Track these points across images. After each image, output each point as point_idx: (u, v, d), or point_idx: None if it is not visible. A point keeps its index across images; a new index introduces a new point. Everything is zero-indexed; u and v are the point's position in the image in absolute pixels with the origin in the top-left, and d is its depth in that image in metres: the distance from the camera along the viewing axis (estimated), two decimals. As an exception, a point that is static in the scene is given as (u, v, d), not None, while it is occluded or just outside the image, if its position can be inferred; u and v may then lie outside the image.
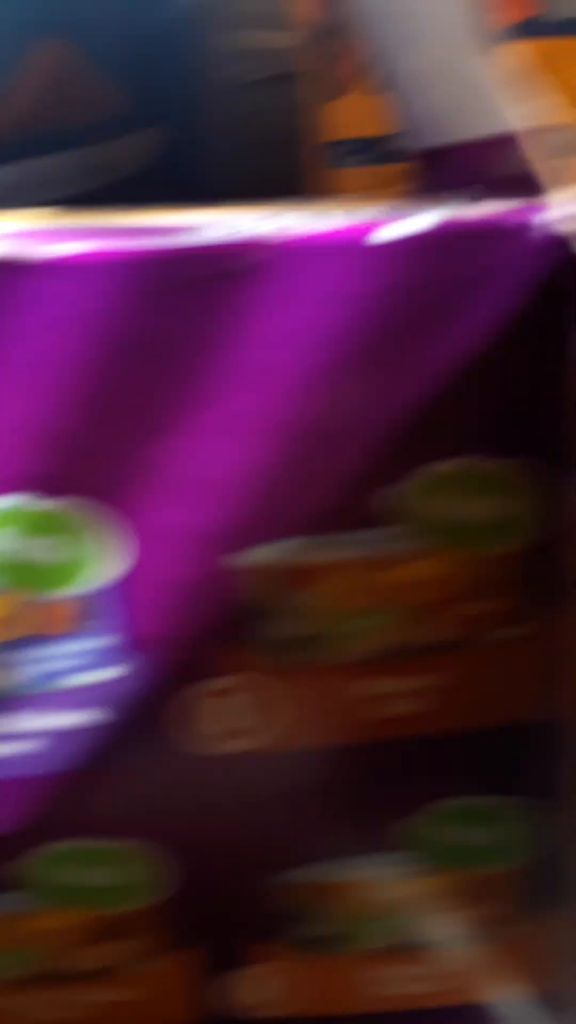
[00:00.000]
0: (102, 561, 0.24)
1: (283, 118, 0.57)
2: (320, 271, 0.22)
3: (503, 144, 0.25)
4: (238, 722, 0.26)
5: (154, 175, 0.59)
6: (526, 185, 0.23)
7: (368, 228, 0.22)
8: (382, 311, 0.22)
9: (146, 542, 0.24)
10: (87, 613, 0.25)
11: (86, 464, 0.23)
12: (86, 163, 0.60)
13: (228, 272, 0.22)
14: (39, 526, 0.24)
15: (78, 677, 0.26)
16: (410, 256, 0.22)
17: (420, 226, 0.22)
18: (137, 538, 0.24)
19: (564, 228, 0.22)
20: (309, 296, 0.22)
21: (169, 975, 0.29)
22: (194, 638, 0.25)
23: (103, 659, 0.25)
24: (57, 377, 0.22)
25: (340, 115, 0.56)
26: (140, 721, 0.26)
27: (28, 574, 0.24)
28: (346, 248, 0.22)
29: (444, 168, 0.27)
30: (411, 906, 0.28)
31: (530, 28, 0.48)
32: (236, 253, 0.22)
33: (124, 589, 0.24)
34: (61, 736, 0.26)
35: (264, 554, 0.24)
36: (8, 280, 0.21)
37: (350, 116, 0.55)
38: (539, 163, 0.24)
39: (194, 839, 0.27)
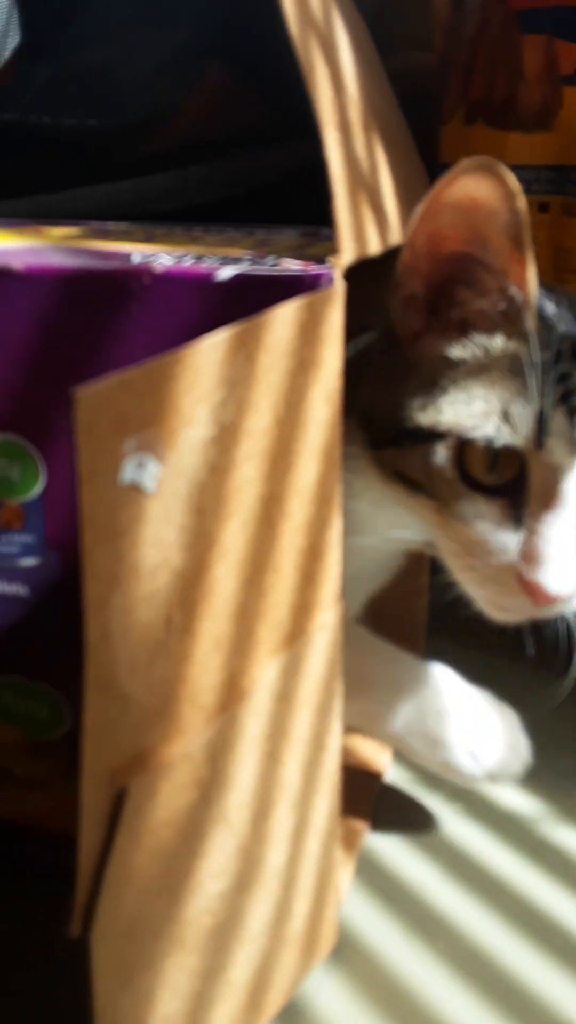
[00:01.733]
0: (35, 478, 0.35)
1: (420, 137, 0.62)
2: (178, 296, 0.31)
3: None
4: None
5: (298, 184, 0.67)
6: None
7: (215, 269, 0.31)
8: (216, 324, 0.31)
9: (56, 467, 0.34)
10: (27, 515, 0.36)
11: (24, 410, 0.34)
12: (236, 171, 0.70)
13: (115, 290, 0.31)
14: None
15: (20, 560, 0.36)
16: (233, 290, 0.30)
17: (241, 272, 0.30)
18: (50, 464, 0.34)
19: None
20: (171, 309, 0.31)
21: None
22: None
23: (32, 550, 0.36)
24: (6, 357, 0.33)
25: (445, 139, 0.61)
26: (54, 599, 0.36)
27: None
28: (199, 281, 0.31)
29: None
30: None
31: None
32: (121, 278, 0.31)
33: (44, 501, 0.35)
34: (5, 599, 0.37)
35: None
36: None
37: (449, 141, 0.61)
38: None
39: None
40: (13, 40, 0.85)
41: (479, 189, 0.34)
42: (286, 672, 0.30)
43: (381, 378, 0.39)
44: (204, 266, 0.31)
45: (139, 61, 0.73)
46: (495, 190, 0.34)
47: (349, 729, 0.42)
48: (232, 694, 0.27)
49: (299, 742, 0.32)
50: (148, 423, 0.21)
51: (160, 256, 0.33)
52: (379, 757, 0.50)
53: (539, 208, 0.56)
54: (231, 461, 0.25)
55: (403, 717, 0.42)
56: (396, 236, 0.39)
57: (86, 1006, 0.25)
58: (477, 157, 0.34)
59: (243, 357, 0.25)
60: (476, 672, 0.56)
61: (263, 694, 0.29)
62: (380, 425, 0.39)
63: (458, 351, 0.37)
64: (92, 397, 0.19)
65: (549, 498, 0.35)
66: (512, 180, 0.33)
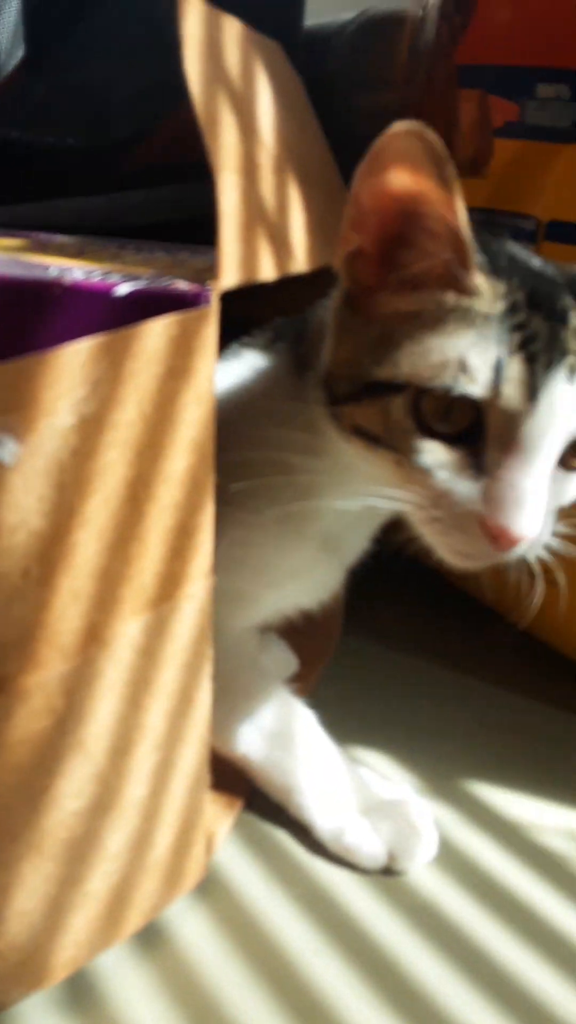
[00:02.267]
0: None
1: None
2: (82, 306, 0.36)
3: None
4: None
5: None
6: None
7: (116, 284, 0.36)
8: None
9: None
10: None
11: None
12: (204, 193, 0.76)
13: (30, 298, 0.37)
14: None
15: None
16: (129, 304, 0.36)
17: (136, 288, 0.36)
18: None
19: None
20: (76, 317, 0.37)
21: None
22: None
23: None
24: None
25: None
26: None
27: None
28: (100, 294, 0.36)
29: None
30: None
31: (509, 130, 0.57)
32: (35, 288, 0.37)
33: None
34: None
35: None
36: None
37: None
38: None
39: None
40: (18, 52, 0.90)
41: (412, 149, 0.36)
42: (150, 631, 0.36)
43: (339, 336, 0.41)
44: (108, 281, 0.37)
45: (125, 84, 0.79)
46: (425, 151, 0.36)
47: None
48: (91, 641, 0.33)
49: (164, 694, 0.37)
50: (9, 410, 0.27)
51: (74, 271, 0.38)
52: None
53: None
54: (93, 447, 0.30)
55: (252, 741, 0.47)
56: (300, 265, 0.44)
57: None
58: (407, 121, 0.36)
59: (108, 362, 0.30)
60: (390, 669, 0.62)
61: (124, 646, 0.34)
62: (340, 382, 0.40)
63: (412, 305, 0.38)
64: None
65: (508, 444, 0.36)
66: (439, 143, 0.36)
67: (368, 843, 0.46)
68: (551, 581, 0.61)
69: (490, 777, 0.53)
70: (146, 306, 0.36)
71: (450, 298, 0.38)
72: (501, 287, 0.38)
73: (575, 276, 0.41)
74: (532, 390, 0.36)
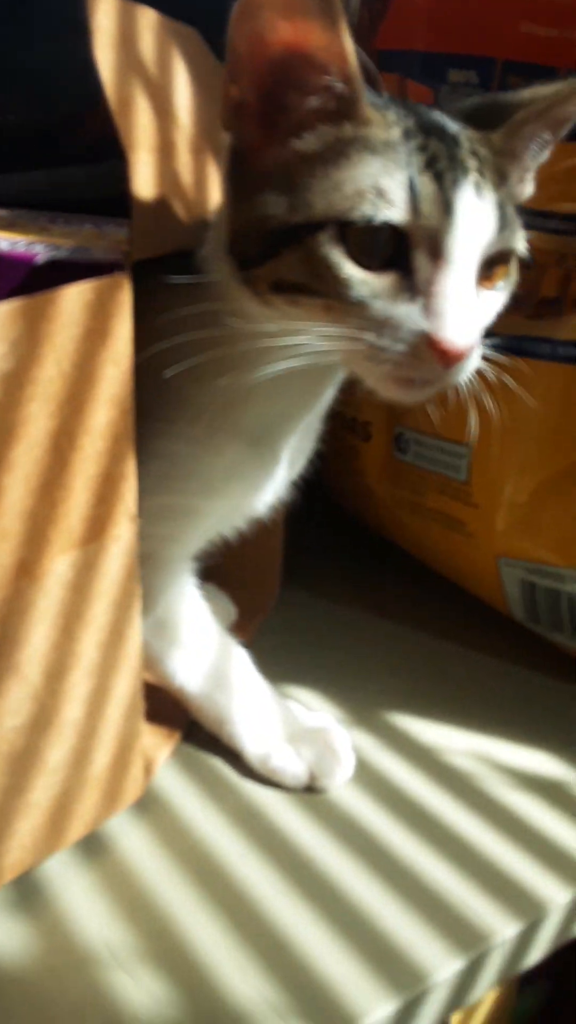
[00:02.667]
0: None
1: None
2: (6, 273, 0.40)
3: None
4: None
5: None
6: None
7: (37, 254, 0.40)
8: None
9: None
10: None
11: None
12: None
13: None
14: None
15: None
16: (47, 272, 0.39)
17: (54, 257, 0.39)
18: None
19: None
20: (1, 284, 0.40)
21: None
22: None
23: None
24: None
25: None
26: None
27: None
28: (20, 263, 0.40)
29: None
30: None
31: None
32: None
33: None
34: None
35: None
36: None
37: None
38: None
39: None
40: None
41: None
42: (79, 568, 0.40)
43: (237, 198, 0.42)
44: (30, 251, 0.40)
45: (71, 61, 0.81)
46: None
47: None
48: (22, 574, 0.37)
49: (95, 627, 0.42)
50: None
51: (0, 242, 0.42)
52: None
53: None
54: (14, 400, 0.34)
55: (189, 675, 0.51)
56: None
57: None
58: None
59: (25, 323, 0.34)
60: (325, 619, 0.66)
61: (54, 581, 0.39)
62: (249, 244, 0.41)
63: (310, 146, 0.39)
64: None
65: (436, 261, 0.38)
66: None
67: (292, 765, 0.51)
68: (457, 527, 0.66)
69: (407, 709, 0.58)
70: (65, 274, 0.40)
71: (348, 130, 0.39)
72: (391, 115, 0.40)
73: (460, 106, 0.44)
74: (446, 204, 0.38)
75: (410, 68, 0.62)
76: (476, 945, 0.43)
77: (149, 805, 0.49)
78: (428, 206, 0.38)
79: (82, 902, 0.43)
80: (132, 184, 0.40)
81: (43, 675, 0.39)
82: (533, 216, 0.50)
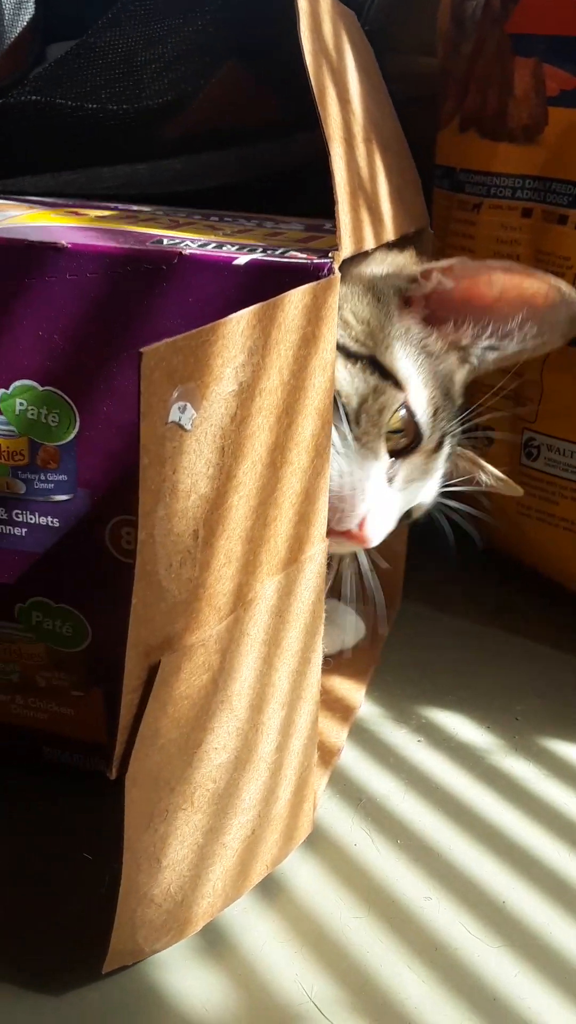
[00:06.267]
0: (69, 427, 0.41)
1: (417, 135, 0.67)
2: (202, 277, 0.37)
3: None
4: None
5: (300, 176, 0.72)
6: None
7: (234, 256, 0.37)
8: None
9: (88, 417, 0.40)
10: (62, 457, 0.42)
11: (65, 368, 0.40)
12: (245, 160, 0.76)
13: (149, 269, 0.37)
14: (38, 400, 0.41)
15: (54, 496, 0.43)
16: (249, 274, 0.36)
17: (256, 259, 0.36)
18: (84, 414, 0.41)
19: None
20: (194, 287, 0.37)
21: (90, 702, 0.47)
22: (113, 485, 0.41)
23: (65, 488, 0.42)
24: (53, 322, 0.39)
25: (441, 144, 0.67)
26: (79, 532, 0.43)
27: (33, 427, 0.42)
28: (221, 265, 0.37)
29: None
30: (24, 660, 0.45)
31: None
32: (155, 258, 0.37)
33: (77, 446, 0.41)
34: (39, 529, 0.43)
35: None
36: (34, 259, 0.38)
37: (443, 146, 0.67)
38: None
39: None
40: (27, 13, 0.87)
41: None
42: (280, 592, 0.37)
43: (373, 301, 0.48)
44: (224, 252, 0.37)
45: (159, 49, 0.78)
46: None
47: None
48: (239, 601, 0.34)
49: (289, 653, 0.39)
50: (189, 377, 0.28)
51: (187, 241, 0.39)
52: (355, 695, 0.56)
53: (522, 213, 0.62)
54: (247, 413, 0.31)
55: None
56: (389, 235, 0.45)
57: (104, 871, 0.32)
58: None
59: (260, 330, 0.31)
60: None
61: (262, 606, 0.36)
62: (359, 335, 0.47)
63: (429, 346, 0.49)
64: (152, 354, 0.26)
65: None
66: None
67: None
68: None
69: (562, 734, 0.55)
70: (264, 277, 0.37)
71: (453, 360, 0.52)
72: None
73: None
74: None
75: (547, 52, 0.59)
76: None
77: (315, 841, 0.46)
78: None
79: (266, 946, 0.41)
80: (334, 178, 0.37)
81: (248, 708, 0.36)
82: None
